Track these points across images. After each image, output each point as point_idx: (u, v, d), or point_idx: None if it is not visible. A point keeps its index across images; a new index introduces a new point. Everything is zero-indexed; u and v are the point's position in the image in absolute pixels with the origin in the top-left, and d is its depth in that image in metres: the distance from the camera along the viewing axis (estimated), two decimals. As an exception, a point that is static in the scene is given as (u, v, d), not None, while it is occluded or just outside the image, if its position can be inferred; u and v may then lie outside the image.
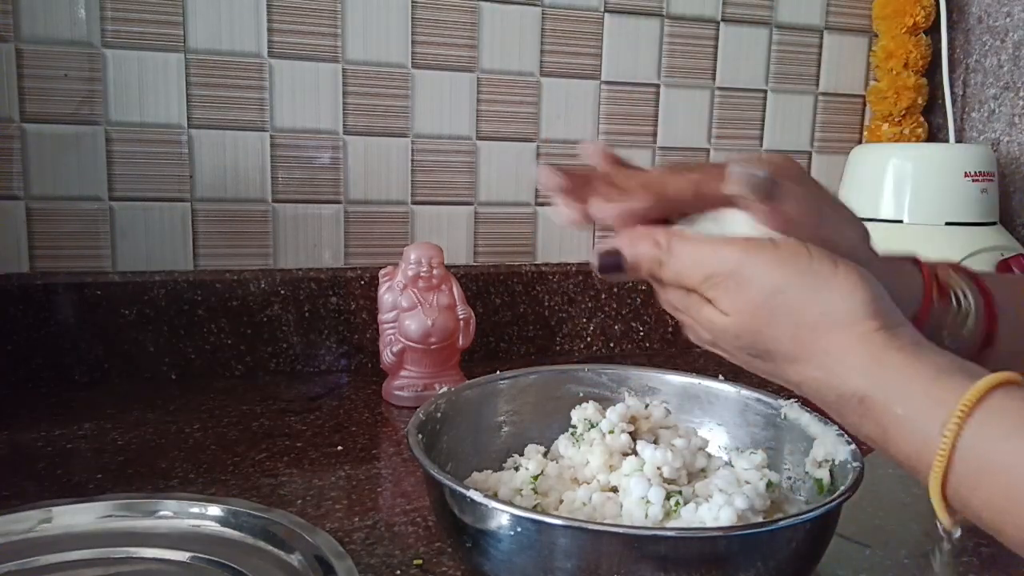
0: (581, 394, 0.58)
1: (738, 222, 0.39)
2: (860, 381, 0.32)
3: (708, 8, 1.00)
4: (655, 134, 1.00)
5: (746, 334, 0.36)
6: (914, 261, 0.46)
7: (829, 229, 0.41)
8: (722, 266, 0.35)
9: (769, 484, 0.49)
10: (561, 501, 0.49)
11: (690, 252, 0.37)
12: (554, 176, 0.40)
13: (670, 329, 1.01)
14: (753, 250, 0.35)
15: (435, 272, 0.79)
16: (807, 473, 0.51)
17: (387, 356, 0.80)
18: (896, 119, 1.05)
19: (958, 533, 0.32)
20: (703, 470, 0.51)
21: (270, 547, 0.46)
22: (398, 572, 0.49)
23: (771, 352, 0.36)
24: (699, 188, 0.40)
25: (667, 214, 0.41)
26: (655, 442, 0.52)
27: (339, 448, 0.68)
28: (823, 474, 0.49)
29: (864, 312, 0.33)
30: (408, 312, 0.78)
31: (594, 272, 0.40)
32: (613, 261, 0.39)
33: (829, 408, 0.36)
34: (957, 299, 0.46)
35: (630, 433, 0.52)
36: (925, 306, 0.45)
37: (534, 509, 0.46)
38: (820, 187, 0.42)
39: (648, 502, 0.46)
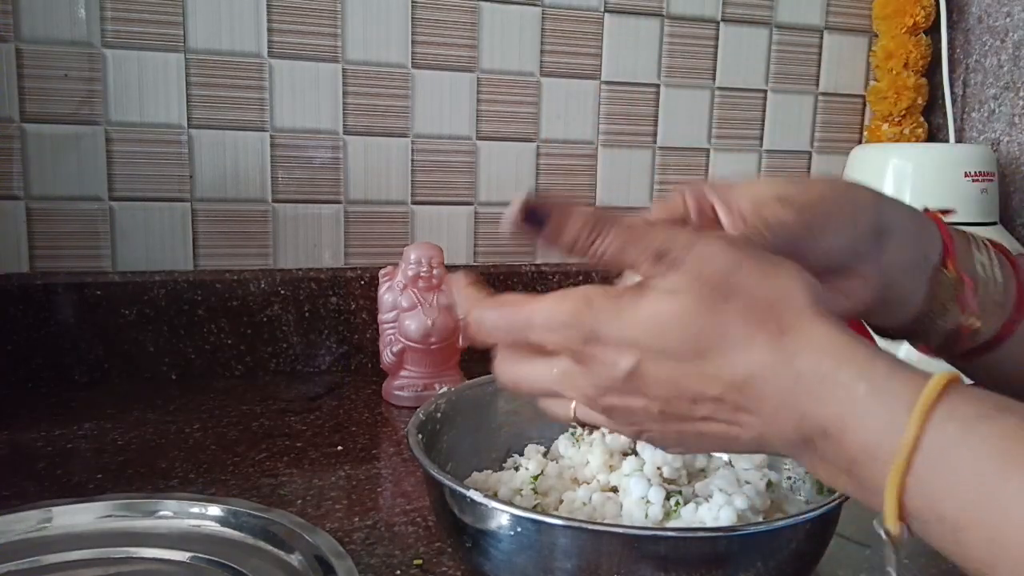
0: (581, 394, 0.58)
1: None
2: (818, 355, 0.30)
3: (708, 8, 1.00)
4: (655, 134, 1.00)
5: (696, 318, 0.32)
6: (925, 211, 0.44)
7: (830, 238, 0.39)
8: (675, 243, 0.33)
9: (769, 484, 0.49)
10: (561, 501, 0.49)
11: (639, 231, 0.34)
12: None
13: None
14: (703, 233, 0.34)
15: (435, 272, 0.79)
16: (807, 473, 0.50)
17: (387, 356, 0.80)
18: (896, 119, 1.05)
19: (906, 534, 0.30)
20: (703, 470, 0.51)
21: (270, 547, 0.46)
22: (398, 572, 0.49)
23: (720, 340, 0.32)
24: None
25: None
26: (655, 442, 0.52)
27: (339, 448, 0.68)
28: (823, 474, 0.49)
29: (816, 295, 0.32)
30: (408, 312, 0.78)
31: (508, 220, 0.35)
32: (539, 215, 0.34)
33: (777, 403, 0.31)
34: (978, 246, 0.44)
35: (630, 433, 0.52)
36: (947, 246, 0.42)
37: (534, 509, 0.46)
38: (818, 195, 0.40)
39: (648, 502, 0.46)
